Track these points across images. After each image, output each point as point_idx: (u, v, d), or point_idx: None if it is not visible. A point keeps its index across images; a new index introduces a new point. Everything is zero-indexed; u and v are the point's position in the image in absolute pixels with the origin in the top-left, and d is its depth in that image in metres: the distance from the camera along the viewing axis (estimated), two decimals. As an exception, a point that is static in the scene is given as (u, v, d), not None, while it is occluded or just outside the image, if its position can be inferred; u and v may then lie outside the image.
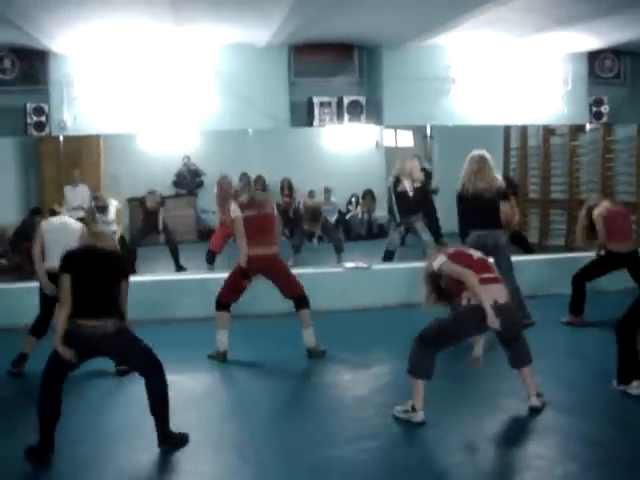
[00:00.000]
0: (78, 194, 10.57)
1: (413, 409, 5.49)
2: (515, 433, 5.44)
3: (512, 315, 5.65)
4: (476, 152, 8.11)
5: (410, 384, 5.53)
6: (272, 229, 7.39)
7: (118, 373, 6.86)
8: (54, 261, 7.13)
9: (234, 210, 7.23)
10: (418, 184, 10.67)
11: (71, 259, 5.24)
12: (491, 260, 5.82)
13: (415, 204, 10.62)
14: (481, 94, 9.98)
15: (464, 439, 5.26)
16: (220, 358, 7.27)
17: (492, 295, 5.43)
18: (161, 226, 11.22)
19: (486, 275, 5.54)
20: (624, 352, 5.93)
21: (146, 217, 11.40)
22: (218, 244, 10.78)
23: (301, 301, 7.41)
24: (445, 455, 5.08)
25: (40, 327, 7.11)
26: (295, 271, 7.71)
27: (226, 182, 10.74)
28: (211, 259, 10.70)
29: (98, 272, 5.16)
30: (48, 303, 7.08)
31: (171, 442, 5.18)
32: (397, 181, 10.64)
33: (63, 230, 7.15)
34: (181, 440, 5.24)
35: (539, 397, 5.74)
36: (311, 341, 7.41)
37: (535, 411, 5.65)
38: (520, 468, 4.75)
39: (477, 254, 5.68)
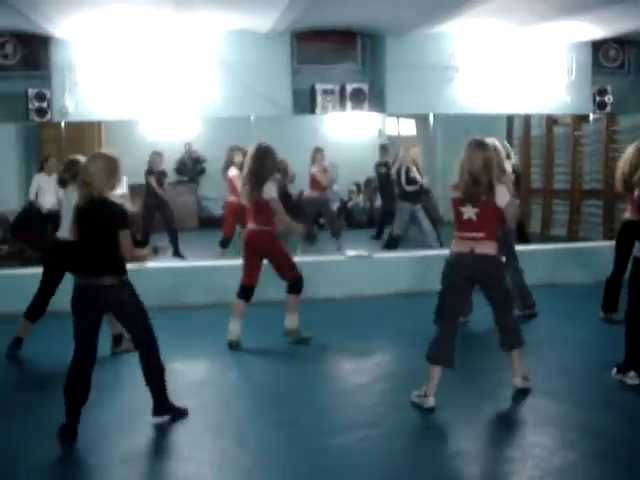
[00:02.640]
0: (52, 183, 10.33)
1: (425, 394, 5.51)
2: (515, 422, 5.44)
3: (490, 265, 5.59)
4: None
5: (418, 370, 5.57)
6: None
7: (115, 353, 7.01)
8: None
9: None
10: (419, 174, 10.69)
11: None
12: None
13: (419, 191, 10.68)
14: (485, 83, 9.96)
15: (464, 428, 5.27)
16: (231, 346, 7.26)
17: (468, 245, 5.49)
18: None
19: (467, 234, 5.51)
20: (629, 341, 5.96)
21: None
22: (230, 227, 10.80)
23: (293, 285, 7.35)
24: (445, 444, 5.08)
25: (36, 310, 7.08)
26: (298, 259, 7.69)
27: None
28: (225, 244, 10.73)
29: (92, 224, 5.12)
30: (49, 284, 7.05)
31: (168, 412, 5.33)
32: (408, 170, 10.64)
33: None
34: (180, 413, 5.38)
35: (524, 380, 5.79)
36: (291, 324, 7.40)
37: (519, 392, 5.74)
38: (520, 457, 4.74)
39: (468, 214, 5.49)
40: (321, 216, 12.29)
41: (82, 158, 7.27)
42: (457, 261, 5.56)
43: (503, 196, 5.49)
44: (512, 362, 5.81)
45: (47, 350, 7.08)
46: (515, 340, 5.75)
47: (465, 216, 5.48)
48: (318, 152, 11.63)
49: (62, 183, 7.23)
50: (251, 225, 7.24)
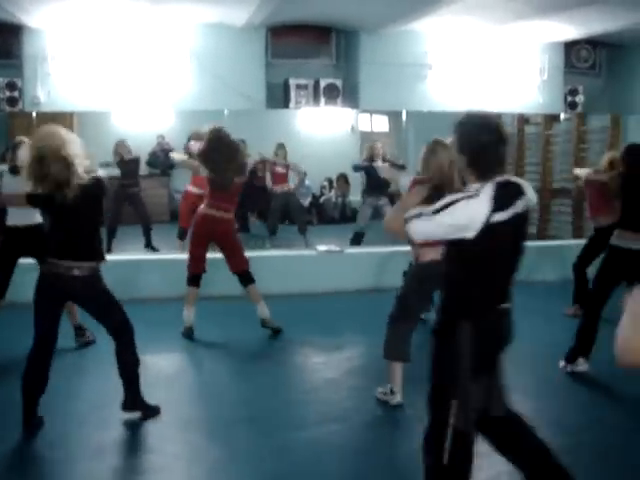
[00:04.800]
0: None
1: (391, 392, 5.53)
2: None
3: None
4: None
5: (386, 367, 5.57)
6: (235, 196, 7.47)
7: (78, 345, 6.97)
8: (14, 217, 6.96)
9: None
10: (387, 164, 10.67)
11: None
12: None
13: (385, 185, 10.68)
14: (457, 81, 10.02)
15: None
16: (186, 333, 7.29)
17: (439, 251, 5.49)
18: None
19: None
20: (583, 328, 6.11)
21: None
22: (186, 218, 10.77)
23: (247, 277, 7.45)
24: (415, 437, 5.10)
25: (1, 289, 6.98)
26: (268, 254, 7.73)
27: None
28: (182, 235, 10.71)
29: (73, 212, 4.92)
30: (5, 269, 6.99)
31: (138, 408, 5.25)
32: (370, 160, 10.67)
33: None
34: (152, 411, 5.31)
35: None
36: (265, 313, 7.48)
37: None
38: (488, 452, 4.77)
39: None
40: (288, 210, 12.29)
41: (25, 139, 7.11)
42: (430, 268, 5.49)
43: None
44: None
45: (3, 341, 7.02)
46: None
47: None
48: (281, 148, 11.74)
49: (14, 171, 6.83)
50: (213, 211, 7.27)
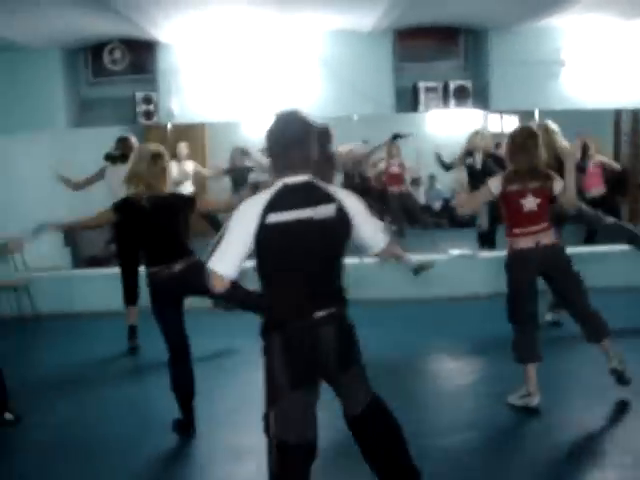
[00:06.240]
0: (182, 169, 10.74)
1: (529, 394, 5.42)
2: (625, 428, 5.24)
3: (559, 254, 5.53)
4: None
5: (522, 372, 5.49)
6: None
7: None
8: None
9: None
10: (488, 158, 10.34)
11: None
12: None
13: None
14: (592, 77, 9.68)
15: (569, 431, 5.13)
16: None
17: (532, 239, 5.40)
18: None
19: (531, 228, 5.41)
20: None
21: None
22: None
23: None
24: (555, 445, 4.94)
25: (131, 294, 7.43)
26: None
27: None
28: None
29: (159, 218, 5.17)
30: (128, 267, 7.40)
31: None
32: (467, 154, 10.43)
33: None
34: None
35: (622, 363, 5.49)
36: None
37: (615, 373, 5.46)
38: (635, 464, 4.57)
39: (530, 205, 5.37)
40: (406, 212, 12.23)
41: (132, 137, 7.65)
42: (525, 258, 5.44)
43: (559, 183, 5.42)
44: (605, 350, 5.52)
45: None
46: (604, 327, 5.52)
47: (526, 208, 5.38)
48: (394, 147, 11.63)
49: (112, 159, 7.86)
50: None
